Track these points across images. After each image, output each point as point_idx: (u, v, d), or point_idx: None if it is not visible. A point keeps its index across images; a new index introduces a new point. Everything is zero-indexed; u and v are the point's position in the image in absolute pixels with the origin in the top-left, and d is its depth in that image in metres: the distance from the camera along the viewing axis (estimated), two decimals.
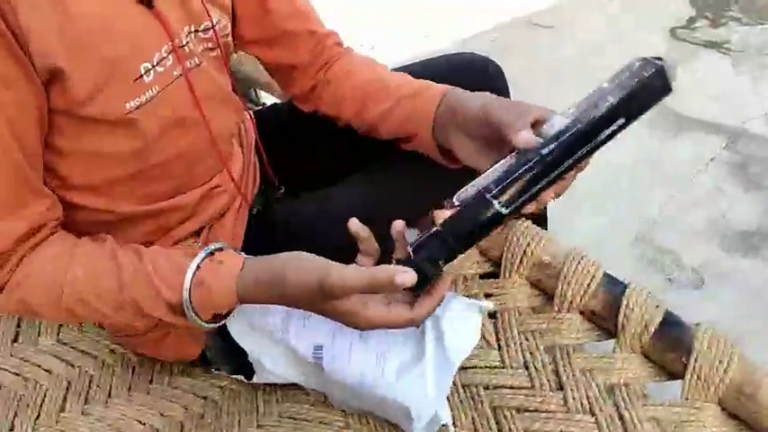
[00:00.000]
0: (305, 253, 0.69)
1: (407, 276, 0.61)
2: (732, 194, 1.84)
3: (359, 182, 0.96)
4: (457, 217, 0.61)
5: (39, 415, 0.94)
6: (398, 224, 0.68)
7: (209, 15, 0.78)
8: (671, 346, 0.84)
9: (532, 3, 2.85)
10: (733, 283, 1.58)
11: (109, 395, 0.96)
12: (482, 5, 2.87)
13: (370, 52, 2.68)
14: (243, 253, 0.75)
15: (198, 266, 0.71)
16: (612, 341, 0.88)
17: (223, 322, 0.77)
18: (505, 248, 0.97)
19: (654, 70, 0.55)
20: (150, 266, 0.71)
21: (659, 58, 0.56)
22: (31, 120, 0.67)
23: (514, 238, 0.97)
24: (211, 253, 0.72)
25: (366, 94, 0.91)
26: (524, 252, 0.95)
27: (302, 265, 0.67)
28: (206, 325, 0.73)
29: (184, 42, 0.76)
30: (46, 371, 0.99)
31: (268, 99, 1.54)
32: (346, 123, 0.96)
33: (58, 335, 1.04)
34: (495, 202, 0.58)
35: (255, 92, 1.59)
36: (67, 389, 0.97)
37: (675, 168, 1.93)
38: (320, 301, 0.66)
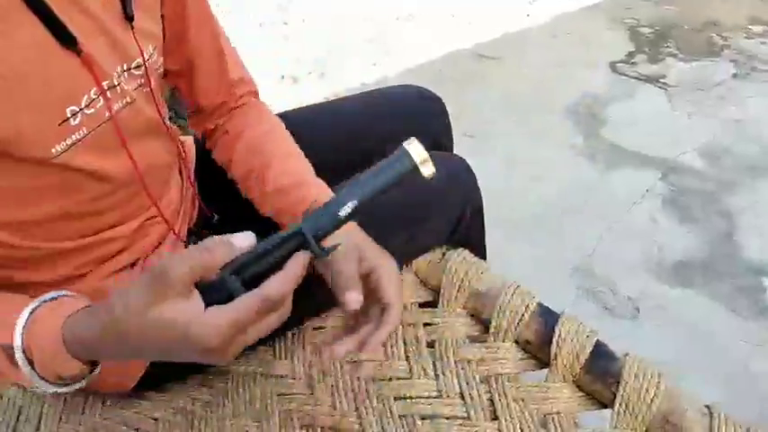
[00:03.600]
0: None
1: (242, 236, 0.57)
2: (667, 226, 1.91)
3: None
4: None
5: None
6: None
7: (141, 51, 0.77)
8: (601, 376, 0.86)
9: (478, 35, 2.93)
10: (667, 313, 1.64)
11: (38, 427, 0.93)
12: (430, 36, 2.93)
13: (320, 78, 2.71)
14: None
15: (36, 307, 0.63)
16: (546, 370, 0.90)
17: (69, 389, 0.66)
18: (444, 278, 0.98)
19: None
20: None
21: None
22: None
23: (453, 268, 0.98)
24: (56, 299, 0.66)
25: (249, 170, 0.91)
26: (462, 282, 0.97)
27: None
28: (43, 383, 0.63)
29: (116, 83, 0.74)
30: None
31: None
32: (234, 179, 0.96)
33: None
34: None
35: None
36: None
37: (612, 200, 2.00)
38: (153, 296, 0.54)
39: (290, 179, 0.88)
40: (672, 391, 0.84)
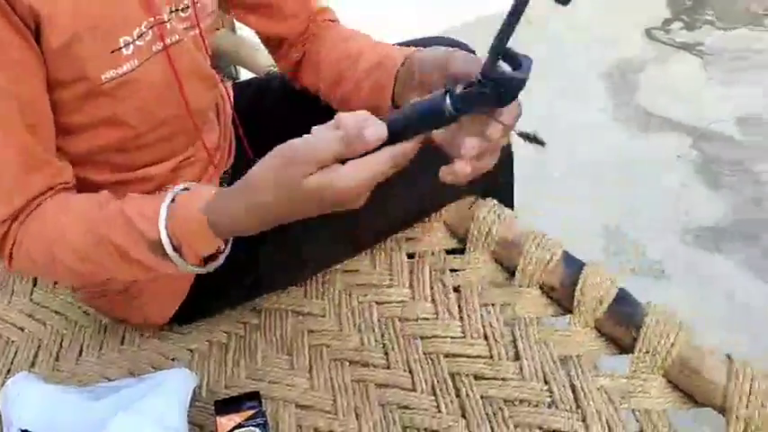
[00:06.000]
0: None
1: (376, 128, 0.58)
2: (696, 192, 1.90)
3: None
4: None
5: (9, 370, 0.96)
6: None
7: None
8: (623, 322, 0.88)
9: None
10: (692, 276, 1.64)
11: (80, 353, 0.98)
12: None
13: None
14: None
15: (173, 198, 0.69)
16: (569, 316, 0.92)
17: (210, 268, 0.73)
18: (472, 226, 1.01)
19: None
20: (129, 205, 0.71)
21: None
22: (38, 83, 0.70)
23: (480, 216, 1.00)
24: (188, 189, 0.71)
25: (340, 68, 0.90)
26: (489, 230, 0.99)
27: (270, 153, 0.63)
28: (191, 267, 0.70)
29: (166, 19, 0.77)
30: (19, 328, 1.02)
31: (246, 75, 1.56)
32: (324, 98, 0.95)
33: (32, 294, 1.06)
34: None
35: (234, 68, 1.61)
36: (39, 346, 0.99)
37: (644, 164, 1.99)
38: (288, 175, 0.59)
39: (375, 55, 0.86)
40: (691, 338, 0.85)
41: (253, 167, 0.64)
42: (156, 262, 0.70)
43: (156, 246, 0.68)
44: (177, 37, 0.80)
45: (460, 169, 0.61)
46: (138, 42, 0.74)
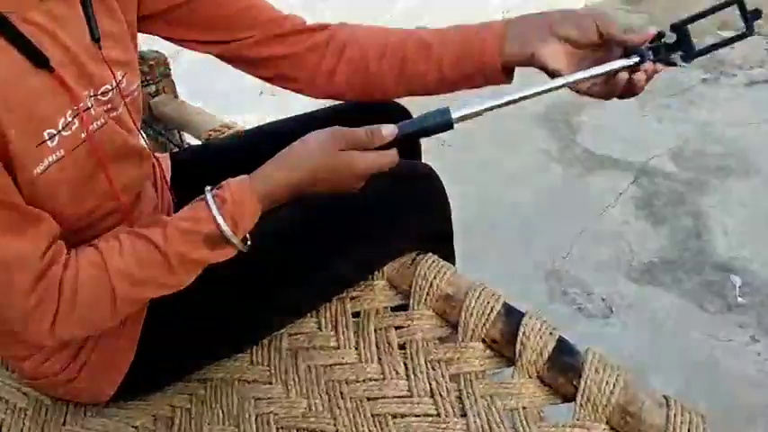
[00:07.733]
0: None
1: (390, 128, 0.79)
2: (638, 227, 1.95)
3: (273, 220, 0.99)
4: None
5: None
6: None
7: (113, 75, 0.81)
8: (564, 371, 0.90)
9: None
10: (638, 311, 1.68)
11: None
12: None
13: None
14: None
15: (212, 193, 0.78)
16: (513, 368, 0.94)
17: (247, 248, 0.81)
18: (414, 282, 1.02)
19: None
20: (172, 219, 0.77)
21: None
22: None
23: (422, 273, 1.02)
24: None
25: (404, 51, 0.93)
26: (431, 285, 1.00)
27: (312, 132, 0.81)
28: (242, 245, 0.79)
29: (89, 105, 0.77)
30: None
31: (191, 139, 1.56)
32: (376, 84, 0.96)
33: None
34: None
35: (179, 133, 1.61)
36: None
37: (586, 204, 2.04)
38: (332, 145, 0.78)
39: (467, 26, 0.93)
40: (631, 384, 0.87)
41: (301, 140, 0.81)
42: (211, 255, 0.78)
43: (215, 237, 0.77)
44: (102, 121, 0.80)
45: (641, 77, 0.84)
46: (63, 132, 0.74)
